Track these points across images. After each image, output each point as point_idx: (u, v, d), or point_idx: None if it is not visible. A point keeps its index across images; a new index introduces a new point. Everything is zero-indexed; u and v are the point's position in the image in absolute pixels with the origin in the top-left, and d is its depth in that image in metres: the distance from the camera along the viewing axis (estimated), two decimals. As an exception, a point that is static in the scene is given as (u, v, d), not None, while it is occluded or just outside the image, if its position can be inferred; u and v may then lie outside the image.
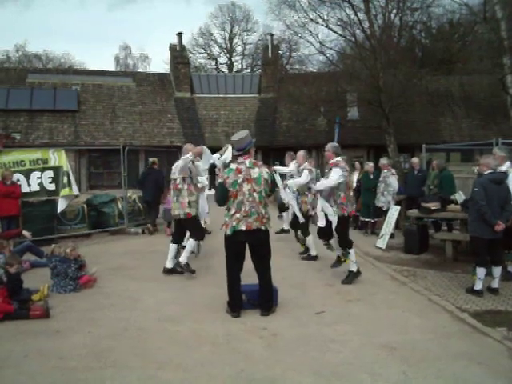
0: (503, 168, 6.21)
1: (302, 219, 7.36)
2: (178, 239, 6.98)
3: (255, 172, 5.03)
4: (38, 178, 9.51)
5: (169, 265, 6.89)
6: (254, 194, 4.99)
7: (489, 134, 16.94)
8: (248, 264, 5.21)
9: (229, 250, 5.14)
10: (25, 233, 7.78)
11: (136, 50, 77.23)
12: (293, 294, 5.74)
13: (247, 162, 5.07)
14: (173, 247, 6.91)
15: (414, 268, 7.23)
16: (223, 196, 5.08)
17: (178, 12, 66.84)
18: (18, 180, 9.01)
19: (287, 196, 7.73)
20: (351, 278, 6.33)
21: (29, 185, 9.36)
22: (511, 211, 5.78)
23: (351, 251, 6.37)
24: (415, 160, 10.55)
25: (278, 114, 24.43)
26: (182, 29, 26.49)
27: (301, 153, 8.15)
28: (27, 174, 9.38)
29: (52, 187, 9.65)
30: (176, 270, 6.81)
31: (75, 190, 10.02)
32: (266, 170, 5.18)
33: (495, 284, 5.83)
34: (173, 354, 4.12)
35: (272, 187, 5.25)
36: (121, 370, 3.81)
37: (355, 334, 4.53)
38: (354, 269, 6.35)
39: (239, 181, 4.97)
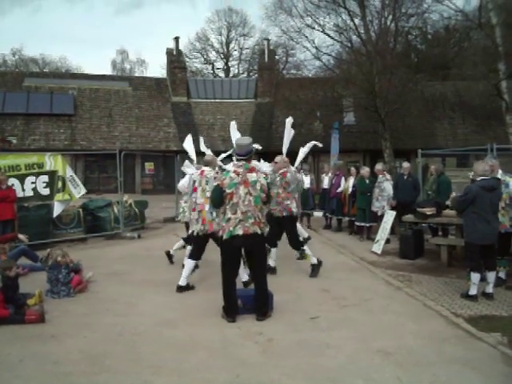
0: (498, 175, 6.18)
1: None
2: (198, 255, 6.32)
3: (253, 176, 5.06)
4: (33, 182, 9.48)
5: (183, 282, 6.20)
6: (250, 197, 5.00)
7: (484, 140, 16.99)
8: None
9: (225, 255, 5.14)
10: (21, 236, 7.74)
11: (133, 54, 77.54)
12: (288, 299, 5.74)
13: (245, 166, 5.10)
14: (191, 263, 6.23)
15: (409, 273, 7.24)
16: (219, 199, 5.07)
17: (176, 17, 67.11)
18: (13, 184, 8.97)
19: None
20: (316, 270, 6.90)
21: (23, 190, 9.32)
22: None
23: (305, 248, 6.99)
24: (405, 165, 10.53)
25: (274, 118, 24.48)
26: (181, 33, 26.59)
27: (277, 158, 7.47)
28: (22, 179, 9.35)
29: (46, 192, 9.63)
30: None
31: (77, 192, 10.09)
32: (264, 175, 5.20)
33: (489, 289, 5.84)
34: (168, 358, 4.12)
35: (269, 194, 5.25)
36: (116, 375, 3.81)
37: (350, 339, 4.54)
38: (315, 261, 6.91)
39: (236, 182, 5.00)
